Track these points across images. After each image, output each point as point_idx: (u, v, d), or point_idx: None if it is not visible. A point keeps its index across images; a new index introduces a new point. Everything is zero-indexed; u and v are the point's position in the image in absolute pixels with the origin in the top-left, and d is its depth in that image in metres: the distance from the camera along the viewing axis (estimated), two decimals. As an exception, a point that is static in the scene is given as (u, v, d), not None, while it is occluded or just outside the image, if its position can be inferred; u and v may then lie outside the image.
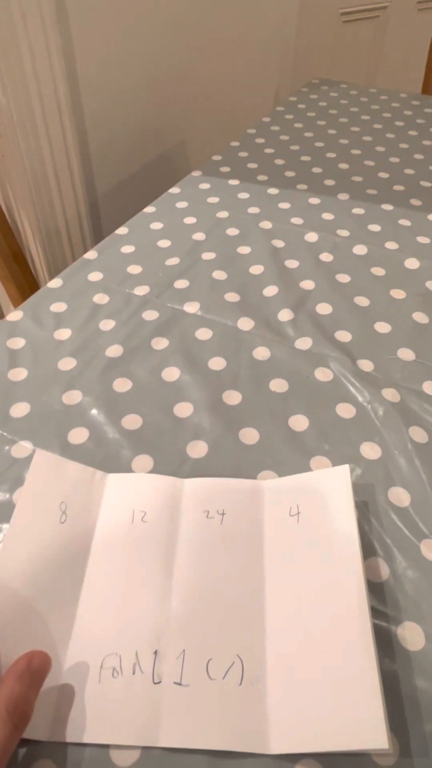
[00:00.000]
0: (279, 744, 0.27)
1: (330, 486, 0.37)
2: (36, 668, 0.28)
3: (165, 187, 0.75)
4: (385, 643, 0.32)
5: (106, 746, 0.28)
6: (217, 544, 0.35)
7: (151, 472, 0.40)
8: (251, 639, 0.31)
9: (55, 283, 0.57)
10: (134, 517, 0.36)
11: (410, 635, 0.32)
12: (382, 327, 0.53)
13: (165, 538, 0.35)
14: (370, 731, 0.26)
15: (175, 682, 0.29)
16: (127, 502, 0.37)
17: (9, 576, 0.33)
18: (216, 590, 0.33)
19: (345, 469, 0.38)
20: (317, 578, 0.33)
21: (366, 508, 0.38)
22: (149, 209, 0.69)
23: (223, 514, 0.36)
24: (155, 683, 0.29)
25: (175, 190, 0.73)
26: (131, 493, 0.38)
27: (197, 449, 0.42)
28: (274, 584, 0.33)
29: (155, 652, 0.30)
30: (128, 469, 0.40)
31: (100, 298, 0.55)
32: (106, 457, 0.41)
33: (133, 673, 0.29)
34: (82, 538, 0.35)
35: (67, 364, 0.48)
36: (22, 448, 0.42)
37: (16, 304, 0.99)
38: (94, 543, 0.35)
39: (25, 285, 1.00)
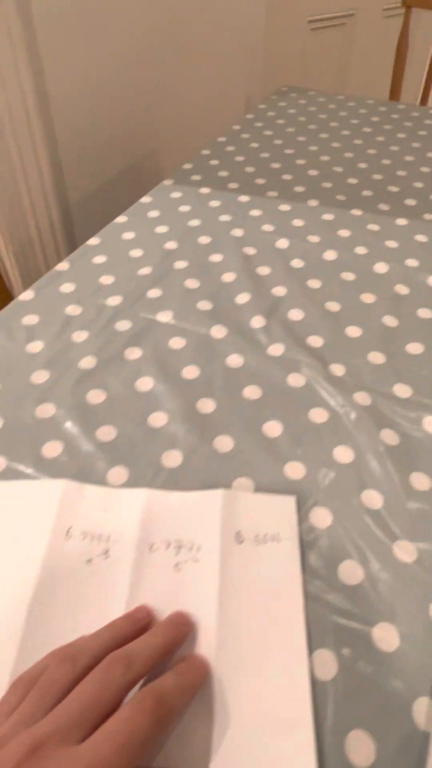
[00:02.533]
0: None
1: (276, 517, 0.37)
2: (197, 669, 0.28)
3: (139, 194, 0.75)
4: (360, 646, 0.32)
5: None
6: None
7: (127, 482, 0.40)
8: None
9: (27, 295, 0.57)
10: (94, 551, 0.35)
11: (385, 636, 0.33)
12: (353, 331, 0.54)
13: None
14: None
15: None
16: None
17: None
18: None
19: (291, 500, 0.38)
20: (261, 619, 0.32)
21: (339, 511, 0.39)
22: (121, 219, 0.69)
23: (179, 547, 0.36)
24: None
25: (146, 199, 0.73)
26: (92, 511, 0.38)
27: (172, 459, 0.42)
28: (224, 622, 0.32)
29: None
30: (103, 481, 0.40)
31: (73, 310, 0.55)
32: (80, 470, 0.41)
33: None
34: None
35: (39, 377, 0.48)
36: (-5, 463, 0.41)
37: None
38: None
39: (-1, 297, 1.00)
